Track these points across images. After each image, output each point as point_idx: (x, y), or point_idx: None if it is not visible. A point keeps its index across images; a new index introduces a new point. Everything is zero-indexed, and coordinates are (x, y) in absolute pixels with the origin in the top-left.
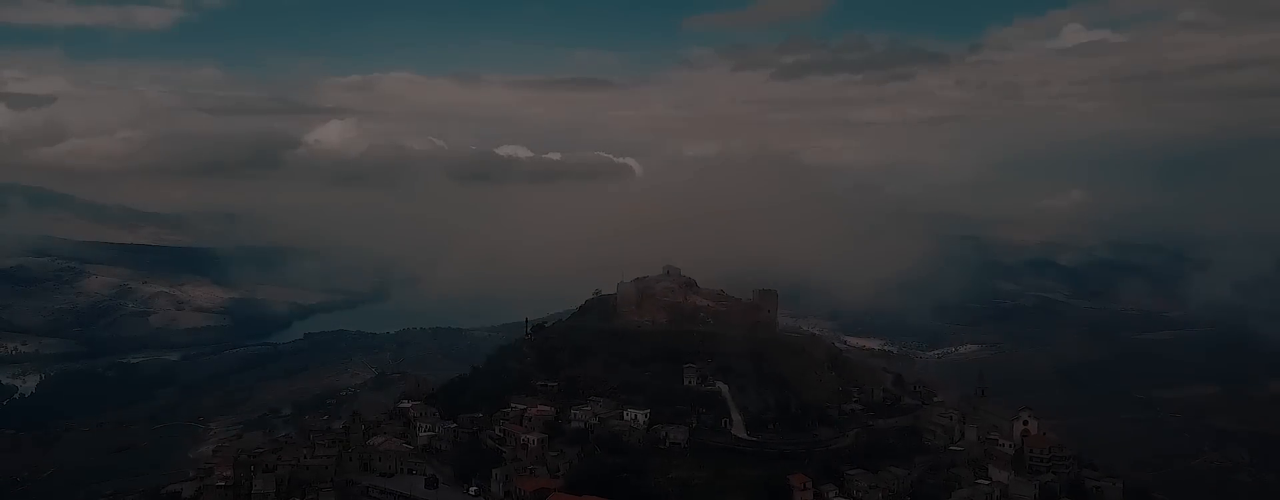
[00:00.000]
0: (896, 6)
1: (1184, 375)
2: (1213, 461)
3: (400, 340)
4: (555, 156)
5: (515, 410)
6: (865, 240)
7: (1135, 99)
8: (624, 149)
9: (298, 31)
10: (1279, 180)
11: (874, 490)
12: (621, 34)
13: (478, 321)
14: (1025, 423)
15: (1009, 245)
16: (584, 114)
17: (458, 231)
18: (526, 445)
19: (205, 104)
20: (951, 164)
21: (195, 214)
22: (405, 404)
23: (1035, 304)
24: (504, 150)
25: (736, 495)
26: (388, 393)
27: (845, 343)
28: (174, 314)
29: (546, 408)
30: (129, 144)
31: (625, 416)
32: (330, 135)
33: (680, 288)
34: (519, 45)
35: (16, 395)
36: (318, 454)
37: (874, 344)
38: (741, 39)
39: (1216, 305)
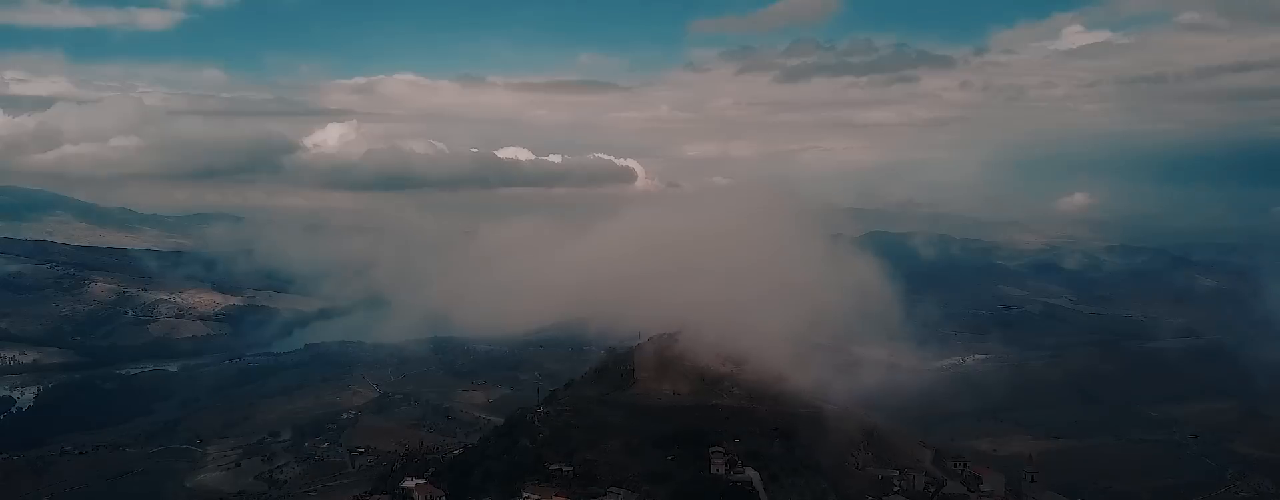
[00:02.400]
0: (901, 10)
1: (1198, 391)
2: (1238, 492)
3: (402, 354)
4: (556, 159)
5: None
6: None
7: (1140, 101)
8: (626, 151)
9: (300, 33)
10: None
11: None
12: (625, 37)
13: (479, 332)
14: None
15: (1012, 248)
16: (587, 116)
17: (451, 239)
18: None
19: (208, 106)
20: (955, 165)
21: (196, 217)
22: (409, 483)
23: (1040, 310)
24: (505, 153)
25: None
26: (389, 416)
27: (849, 352)
28: (174, 322)
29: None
30: (123, 151)
31: None
32: (330, 138)
33: (702, 350)
34: (523, 47)
35: (14, 409)
36: None
37: (879, 353)
38: (746, 43)
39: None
